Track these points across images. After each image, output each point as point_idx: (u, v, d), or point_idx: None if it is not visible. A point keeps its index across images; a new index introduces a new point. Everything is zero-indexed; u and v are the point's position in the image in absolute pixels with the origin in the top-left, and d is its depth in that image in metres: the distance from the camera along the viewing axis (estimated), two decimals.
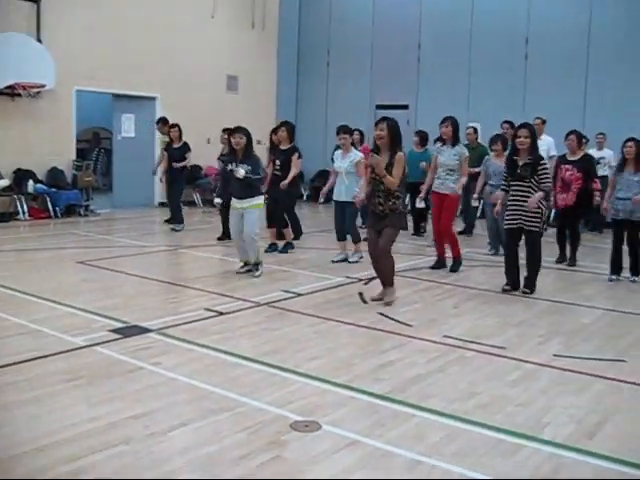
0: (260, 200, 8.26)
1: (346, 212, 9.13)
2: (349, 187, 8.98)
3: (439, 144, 9.11)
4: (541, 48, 14.89)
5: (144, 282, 7.76)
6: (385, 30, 17.08)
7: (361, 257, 9.14)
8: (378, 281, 7.57)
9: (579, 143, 9.58)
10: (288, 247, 9.99)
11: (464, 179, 8.76)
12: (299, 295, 7.28)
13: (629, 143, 8.29)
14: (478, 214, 12.41)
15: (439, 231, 8.91)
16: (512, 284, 7.73)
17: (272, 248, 9.91)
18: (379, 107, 17.02)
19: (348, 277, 8.28)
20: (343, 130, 9.24)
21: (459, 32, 15.92)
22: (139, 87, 15.04)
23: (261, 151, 14.91)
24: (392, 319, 6.40)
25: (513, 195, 7.56)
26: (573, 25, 14.52)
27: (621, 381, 4.94)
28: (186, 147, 12.07)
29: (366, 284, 7.92)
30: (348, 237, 9.38)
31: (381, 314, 6.57)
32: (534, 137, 7.55)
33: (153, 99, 15.51)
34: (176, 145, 12.07)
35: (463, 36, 15.90)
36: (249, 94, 17.50)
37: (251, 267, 8.29)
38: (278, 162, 9.89)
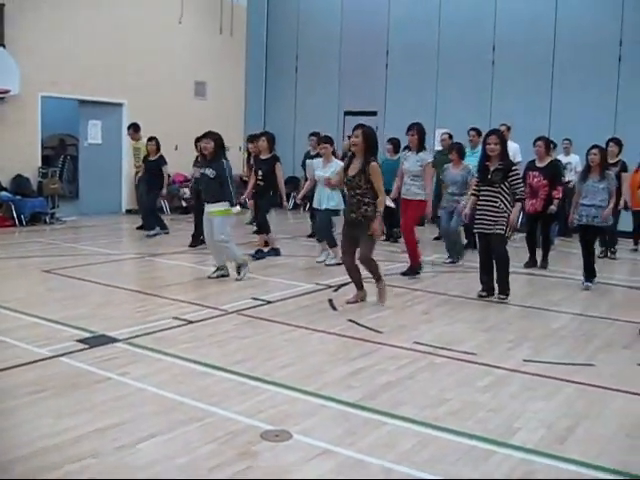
0: (225, 206, 8.10)
1: (318, 217, 9.22)
2: (331, 195, 9.12)
3: (406, 151, 9.17)
4: (507, 55, 15.04)
5: (111, 291, 7.65)
6: (353, 36, 17.13)
7: (339, 263, 9.01)
8: (348, 288, 7.59)
9: (547, 149, 9.69)
10: (272, 253, 10.05)
11: (428, 188, 8.78)
12: (269, 302, 7.24)
13: (593, 150, 8.36)
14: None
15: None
16: (487, 289, 7.76)
17: (257, 255, 9.89)
18: (347, 113, 17.06)
19: (318, 284, 8.25)
20: (324, 140, 9.35)
21: (427, 39, 16.01)
22: (106, 93, 14.87)
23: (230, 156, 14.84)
24: (362, 326, 6.38)
25: (482, 200, 7.60)
26: (539, 32, 14.68)
27: (590, 385, 4.98)
28: (162, 160, 12.11)
29: (336, 291, 7.90)
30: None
31: (351, 321, 6.55)
32: (504, 143, 7.60)
33: (120, 105, 15.35)
34: (152, 158, 12.12)
35: (431, 43, 15.99)
36: (217, 100, 17.43)
37: (223, 272, 8.37)
38: (260, 172, 9.92)
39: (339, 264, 8.86)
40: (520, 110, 14.19)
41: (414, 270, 8.87)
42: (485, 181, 7.58)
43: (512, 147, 11.93)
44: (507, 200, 7.46)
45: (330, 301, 7.33)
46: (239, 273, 8.27)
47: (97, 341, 5.62)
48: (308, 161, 10.01)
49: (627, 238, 11.95)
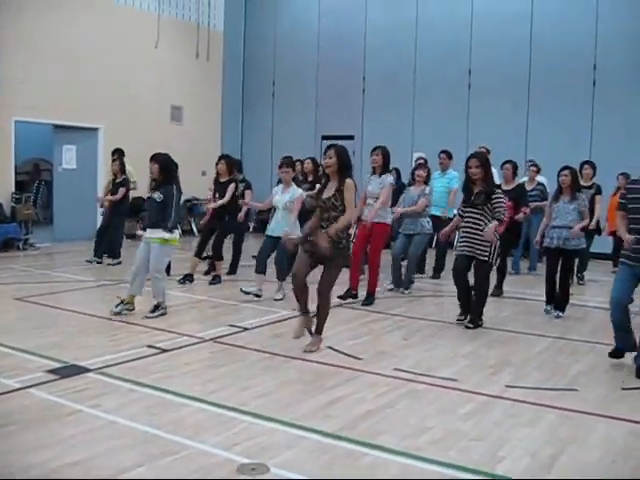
0: (168, 234, 7.53)
1: (277, 247, 8.70)
2: (287, 222, 8.56)
3: (369, 174, 9.02)
4: (484, 79, 15.14)
5: (84, 319, 7.47)
6: (330, 61, 17.18)
7: (283, 297, 8.73)
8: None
9: (514, 173, 9.72)
10: (217, 280, 9.87)
11: (379, 203, 8.51)
12: (245, 330, 7.10)
13: (564, 172, 8.33)
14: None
15: (359, 261, 8.84)
16: (466, 314, 7.67)
17: (215, 281, 9.83)
18: (325, 138, 17.03)
19: (295, 310, 8.10)
20: (285, 163, 8.91)
21: (403, 63, 16.09)
22: (81, 118, 14.73)
23: (207, 182, 14.76)
24: (341, 352, 6.26)
25: (466, 222, 7.56)
26: (515, 56, 14.80)
27: (573, 411, 4.89)
28: (123, 182, 11.76)
29: (313, 317, 7.76)
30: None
31: (330, 347, 6.42)
32: (486, 166, 7.53)
33: (96, 130, 15.22)
34: (118, 179, 11.86)
35: (407, 67, 16.07)
36: (194, 125, 17.35)
37: (129, 307, 7.66)
38: (217, 195, 9.91)
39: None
40: (497, 134, 14.24)
41: (372, 298, 8.61)
42: (468, 202, 7.54)
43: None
44: (490, 223, 7.39)
45: (308, 328, 7.18)
46: (154, 312, 7.58)
47: (68, 371, 5.45)
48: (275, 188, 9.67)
49: (604, 260, 11.95)
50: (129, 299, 7.69)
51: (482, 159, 7.57)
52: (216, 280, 9.86)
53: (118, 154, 12.31)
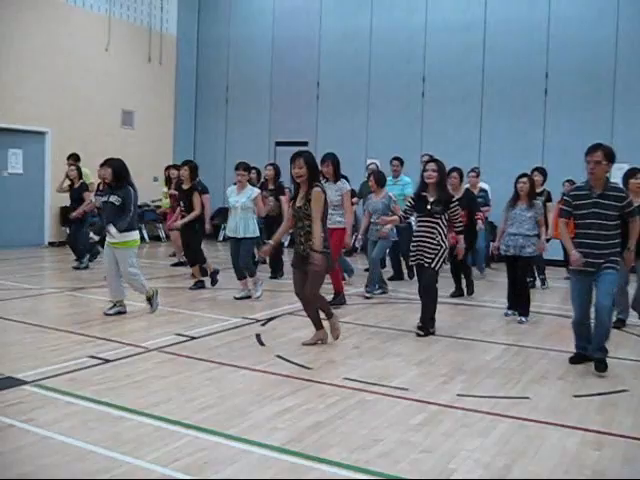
0: (131, 237, 7.77)
1: (241, 248, 9.02)
2: (246, 223, 8.95)
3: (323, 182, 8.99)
4: (437, 86, 15.18)
5: (23, 328, 7.16)
6: (284, 67, 17.07)
7: (261, 294, 9.16)
8: (277, 321, 7.30)
9: (460, 181, 9.74)
10: (199, 285, 9.94)
11: (348, 215, 8.76)
12: (193, 338, 6.87)
13: (523, 179, 8.31)
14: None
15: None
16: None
17: (197, 285, 9.87)
18: (279, 144, 16.90)
19: (245, 318, 7.93)
20: (243, 167, 9.17)
21: (358, 70, 16.06)
22: (27, 121, 14.33)
23: (159, 188, 14.48)
24: (290, 362, 6.08)
25: (419, 231, 7.42)
26: (468, 64, 14.86)
27: (526, 419, 4.79)
28: (82, 188, 11.66)
29: (264, 325, 7.60)
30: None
31: (279, 357, 6.24)
32: (442, 172, 7.45)
33: (43, 134, 14.82)
34: (75, 185, 11.71)
35: (362, 73, 16.03)
36: (145, 130, 17.05)
37: (121, 308, 7.93)
38: (182, 203, 9.83)
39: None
40: (450, 140, 14.28)
41: (340, 299, 8.77)
42: (423, 211, 7.38)
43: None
44: (443, 232, 7.30)
45: (258, 336, 7.02)
46: (151, 305, 7.98)
47: (1, 384, 5.16)
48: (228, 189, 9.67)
49: (557, 267, 12.00)
50: (116, 302, 7.93)
51: (441, 165, 7.45)
52: (198, 285, 9.87)
53: (73, 159, 12.10)
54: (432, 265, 7.26)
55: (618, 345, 6.92)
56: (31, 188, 14.56)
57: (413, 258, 7.45)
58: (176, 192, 10.57)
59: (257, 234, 9.22)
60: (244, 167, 9.18)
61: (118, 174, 7.74)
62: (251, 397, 5.10)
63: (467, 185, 11.46)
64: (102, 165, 8.07)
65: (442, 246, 7.28)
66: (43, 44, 14.47)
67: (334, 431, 4.45)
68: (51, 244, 14.88)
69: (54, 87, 14.72)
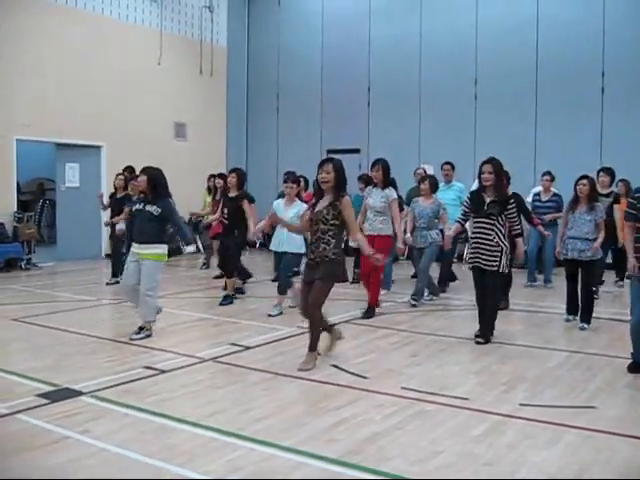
0: (161, 250, 7.27)
1: (283, 262, 8.61)
2: (291, 237, 8.39)
3: (370, 187, 8.87)
4: (490, 88, 14.93)
5: (81, 339, 7.21)
6: (335, 75, 17.01)
7: (280, 312, 8.60)
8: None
9: (508, 182, 9.42)
10: (228, 300, 9.36)
11: (396, 224, 8.57)
12: (247, 348, 6.82)
13: (582, 181, 8.06)
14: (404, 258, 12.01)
15: (367, 273, 8.57)
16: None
17: (227, 300, 9.36)
18: (330, 152, 16.79)
19: (300, 327, 7.82)
20: (292, 179, 8.64)
21: (408, 75, 15.89)
22: (83, 135, 14.59)
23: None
24: (346, 371, 5.98)
25: (476, 232, 7.27)
26: (521, 65, 14.59)
27: (593, 430, 4.59)
28: (125, 198, 11.22)
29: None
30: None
31: (335, 366, 6.14)
32: (500, 173, 7.24)
33: (98, 148, 15.06)
34: (119, 195, 11.51)
35: (412, 79, 15.86)
36: (198, 141, 17.19)
37: (149, 332, 7.29)
38: (226, 210, 9.46)
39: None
40: (504, 144, 13.98)
41: (372, 310, 8.50)
42: (480, 213, 7.24)
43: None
44: (502, 234, 7.14)
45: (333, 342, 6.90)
46: (139, 334, 7.21)
47: (59, 395, 5.19)
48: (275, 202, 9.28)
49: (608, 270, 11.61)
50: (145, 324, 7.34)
51: (497, 166, 7.22)
52: (227, 300, 9.36)
53: (128, 171, 11.98)
54: (497, 269, 7.10)
55: None
56: (87, 201, 14.73)
57: (471, 261, 7.31)
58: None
59: (303, 250, 8.59)
60: (293, 179, 8.65)
61: (154, 183, 7.29)
62: (307, 408, 5.02)
63: (539, 188, 11.24)
64: (140, 172, 7.59)
65: (502, 246, 7.11)
66: (98, 60, 14.72)
67: (393, 442, 4.32)
68: (107, 256, 15.05)
69: (108, 101, 14.96)
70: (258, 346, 6.93)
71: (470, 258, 7.35)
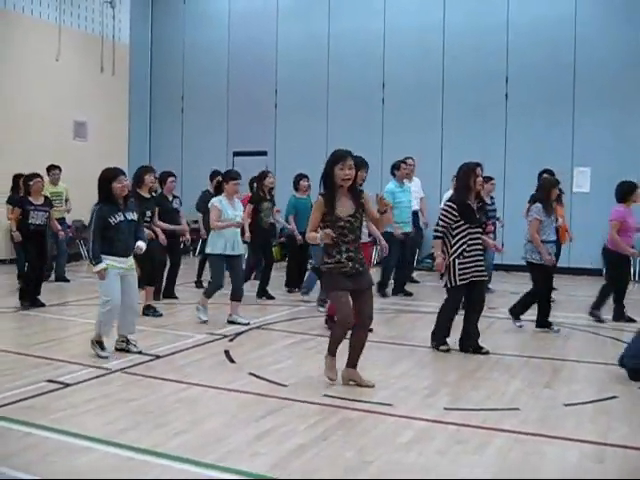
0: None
1: (239, 266, 8.23)
2: (238, 238, 8.08)
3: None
4: (397, 92, 15.01)
5: None
6: (241, 75, 16.71)
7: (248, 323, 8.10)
8: (245, 336, 6.96)
9: None
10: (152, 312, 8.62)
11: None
12: (158, 357, 6.46)
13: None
14: None
15: None
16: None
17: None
18: (237, 154, 16.55)
19: (212, 334, 7.52)
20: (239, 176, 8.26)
21: (316, 77, 15.78)
22: None
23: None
24: (264, 379, 5.72)
25: (472, 245, 6.70)
26: (428, 69, 14.74)
27: (521, 432, 4.52)
28: (47, 202, 10.01)
29: (232, 340, 7.22)
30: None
31: (252, 374, 5.87)
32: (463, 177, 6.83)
33: None
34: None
35: (320, 81, 15.76)
36: (99, 141, 16.45)
37: (134, 347, 6.63)
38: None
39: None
40: (411, 147, 14.04)
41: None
42: (474, 222, 6.69)
43: (417, 182, 11.86)
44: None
45: (227, 352, 6.63)
46: (127, 345, 6.65)
47: None
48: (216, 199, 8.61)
49: None
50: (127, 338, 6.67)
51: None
52: (150, 312, 8.60)
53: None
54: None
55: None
56: None
57: (469, 276, 6.70)
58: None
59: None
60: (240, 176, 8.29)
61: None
62: (226, 420, 4.73)
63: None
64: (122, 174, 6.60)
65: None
66: None
67: (319, 454, 4.10)
68: (2, 262, 14.22)
69: (3, 98, 14.14)
70: (169, 355, 6.58)
71: (472, 273, 6.70)
